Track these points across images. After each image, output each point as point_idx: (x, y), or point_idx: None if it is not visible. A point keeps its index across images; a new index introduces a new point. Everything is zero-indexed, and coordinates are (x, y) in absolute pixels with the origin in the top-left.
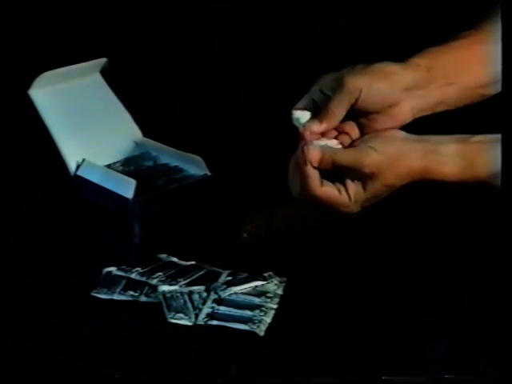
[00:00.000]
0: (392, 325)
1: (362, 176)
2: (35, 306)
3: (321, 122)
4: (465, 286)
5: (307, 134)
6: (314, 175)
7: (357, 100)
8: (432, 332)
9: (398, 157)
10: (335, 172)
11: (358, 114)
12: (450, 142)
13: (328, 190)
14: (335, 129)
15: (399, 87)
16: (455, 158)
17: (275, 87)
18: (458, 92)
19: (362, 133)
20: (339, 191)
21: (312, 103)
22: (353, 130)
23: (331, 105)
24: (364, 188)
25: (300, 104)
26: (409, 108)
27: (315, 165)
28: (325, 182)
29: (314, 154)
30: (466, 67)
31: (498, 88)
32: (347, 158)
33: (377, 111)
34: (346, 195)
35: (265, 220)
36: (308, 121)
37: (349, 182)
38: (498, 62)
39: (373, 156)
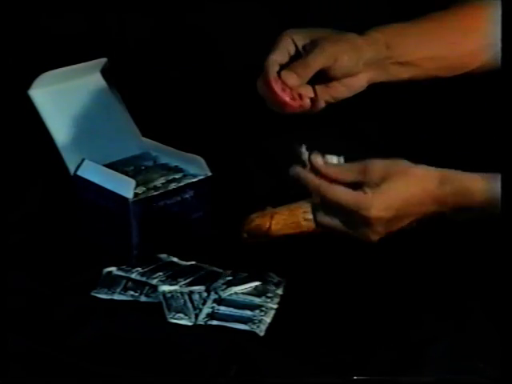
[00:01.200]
0: (392, 325)
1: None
2: (35, 306)
3: (297, 73)
4: (465, 286)
5: (277, 85)
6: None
7: (329, 66)
8: (432, 332)
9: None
10: None
11: (318, 79)
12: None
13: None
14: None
15: (362, 60)
16: (483, 183)
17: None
18: (412, 71)
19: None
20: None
21: (287, 55)
22: (309, 94)
23: (309, 59)
24: (378, 185)
25: (277, 54)
26: (365, 80)
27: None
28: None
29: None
30: (425, 50)
31: (455, 72)
32: (348, 174)
33: (337, 79)
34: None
35: (265, 220)
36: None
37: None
38: (459, 48)
39: (378, 164)
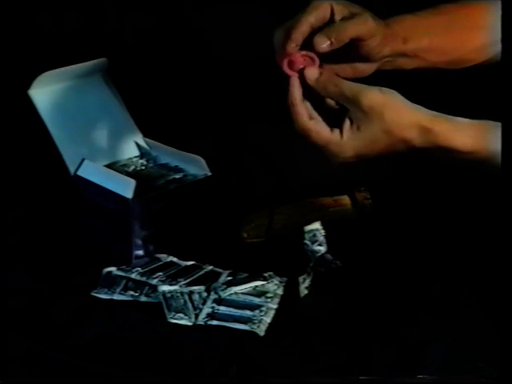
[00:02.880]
0: (392, 325)
1: (359, 113)
2: (35, 306)
3: (330, 38)
4: (465, 286)
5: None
6: (302, 107)
7: (362, 39)
8: (432, 332)
9: (403, 105)
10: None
11: (330, 57)
12: (461, 118)
13: (318, 125)
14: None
15: (385, 51)
16: (468, 128)
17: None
18: (418, 63)
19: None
20: (331, 130)
21: (321, 21)
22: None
23: (349, 24)
24: (358, 127)
25: (312, 16)
26: (374, 69)
27: (312, 81)
28: (316, 118)
29: (310, 70)
30: (436, 46)
31: (459, 66)
32: (349, 86)
33: (354, 59)
34: (338, 133)
35: (265, 220)
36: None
37: (344, 120)
38: (467, 45)
39: (376, 93)
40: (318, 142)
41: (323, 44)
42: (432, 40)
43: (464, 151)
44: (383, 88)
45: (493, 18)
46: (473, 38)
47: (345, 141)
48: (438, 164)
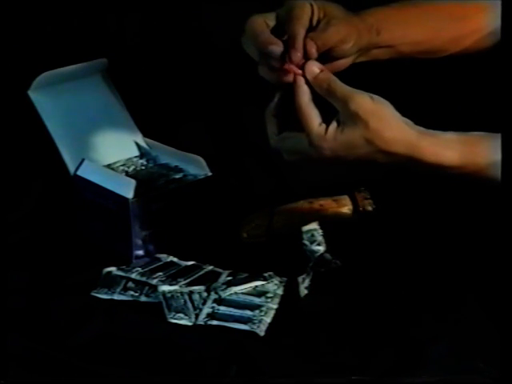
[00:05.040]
0: (392, 325)
1: (346, 116)
2: (35, 306)
3: (317, 45)
4: (465, 286)
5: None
6: (305, 88)
7: (334, 46)
8: (432, 332)
9: (391, 117)
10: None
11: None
12: (449, 132)
13: (312, 111)
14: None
15: (359, 47)
16: (455, 143)
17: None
18: (392, 54)
19: None
20: (320, 123)
21: (308, 24)
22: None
23: (327, 36)
24: (342, 129)
25: (304, 22)
26: (349, 63)
27: (311, 77)
28: (312, 105)
29: (312, 65)
30: (410, 36)
31: (432, 56)
32: (342, 88)
33: (329, 60)
34: (323, 126)
35: (265, 220)
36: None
37: (333, 120)
38: (442, 36)
39: (366, 100)
40: (304, 125)
41: (314, 49)
42: (406, 31)
43: (451, 166)
44: (375, 96)
45: (469, 9)
46: (448, 28)
47: (327, 137)
48: (423, 177)
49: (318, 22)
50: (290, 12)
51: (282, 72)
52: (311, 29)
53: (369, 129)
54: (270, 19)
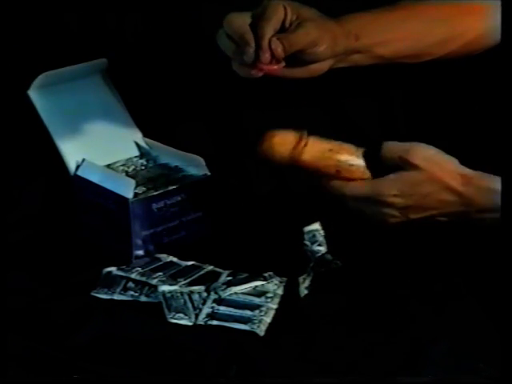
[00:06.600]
0: (392, 325)
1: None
2: (35, 306)
3: (283, 46)
4: (465, 285)
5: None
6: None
7: (305, 49)
8: (432, 332)
9: (444, 157)
10: None
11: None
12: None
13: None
14: None
15: (335, 52)
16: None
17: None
18: (373, 59)
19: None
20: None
21: (279, 25)
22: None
23: (295, 38)
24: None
25: (274, 23)
26: (327, 67)
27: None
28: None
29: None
30: (390, 40)
31: (417, 60)
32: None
33: (304, 63)
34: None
35: (292, 139)
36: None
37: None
38: (424, 39)
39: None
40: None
41: (280, 50)
42: (385, 35)
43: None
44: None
45: (452, 12)
46: (432, 31)
47: (386, 178)
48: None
49: (291, 24)
50: (263, 12)
51: (254, 69)
52: (283, 30)
53: (428, 170)
54: (247, 17)
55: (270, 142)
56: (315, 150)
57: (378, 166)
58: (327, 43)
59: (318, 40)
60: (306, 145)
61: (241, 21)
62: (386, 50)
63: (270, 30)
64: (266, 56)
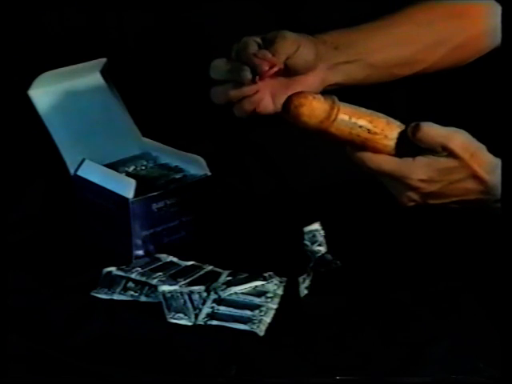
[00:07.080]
0: (392, 325)
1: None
2: (35, 306)
3: (268, 61)
4: (465, 285)
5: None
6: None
7: (291, 54)
8: (432, 332)
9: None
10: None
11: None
12: None
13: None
14: None
15: (318, 55)
16: None
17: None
18: (365, 69)
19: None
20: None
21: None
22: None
23: (276, 47)
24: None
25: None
26: (320, 79)
27: None
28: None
29: None
30: (376, 47)
31: (411, 69)
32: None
33: (295, 73)
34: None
35: (325, 103)
36: None
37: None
38: (411, 44)
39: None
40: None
41: (265, 65)
42: (368, 42)
43: None
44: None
45: (439, 15)
46: (417, 36)
47: (416, 161)
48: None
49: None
50: (244, 47)
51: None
52: None
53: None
54: (227, 60)
55: (298, 111)
56: (346, 119)
57: (406, 143)
58: (308, 46)
59: (298, 41)
60: (337, 113)
61: (224, 61)
62: (374, 59)
63: (253, 47)
64: (263, 64)
